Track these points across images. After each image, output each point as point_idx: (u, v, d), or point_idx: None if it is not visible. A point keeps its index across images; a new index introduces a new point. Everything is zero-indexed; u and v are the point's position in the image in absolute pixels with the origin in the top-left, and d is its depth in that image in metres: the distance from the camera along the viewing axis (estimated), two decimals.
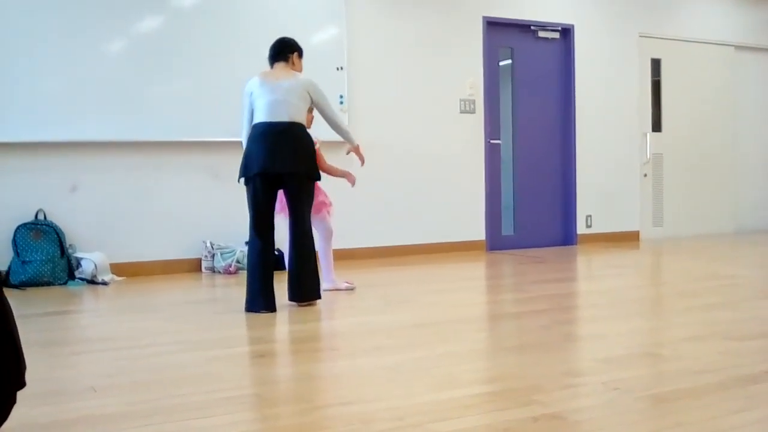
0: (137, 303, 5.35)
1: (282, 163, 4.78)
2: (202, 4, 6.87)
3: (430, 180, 7.95)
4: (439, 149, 8.02)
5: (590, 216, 8.88)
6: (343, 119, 5.02)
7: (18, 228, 6.20)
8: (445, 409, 2.64)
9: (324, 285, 5.32)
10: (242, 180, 4.92)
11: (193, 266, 6.78)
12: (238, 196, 6.94)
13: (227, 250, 6.66)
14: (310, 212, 5.00)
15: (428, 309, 4.77)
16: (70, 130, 6.38)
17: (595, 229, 8.92)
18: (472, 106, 8.17)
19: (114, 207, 6.60)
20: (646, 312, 4.75)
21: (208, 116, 6.77)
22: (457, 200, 8.10)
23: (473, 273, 6.65)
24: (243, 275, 6.44)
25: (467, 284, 5.96)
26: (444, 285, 5.88)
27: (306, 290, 4.89)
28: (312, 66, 7.20)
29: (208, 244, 6.70)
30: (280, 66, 5.10)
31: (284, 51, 5.15)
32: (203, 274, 6.63)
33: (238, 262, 6.60)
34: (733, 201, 10.13)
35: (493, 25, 8.32)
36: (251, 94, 4.98)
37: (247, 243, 6.71)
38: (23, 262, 6.11)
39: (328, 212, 5.57)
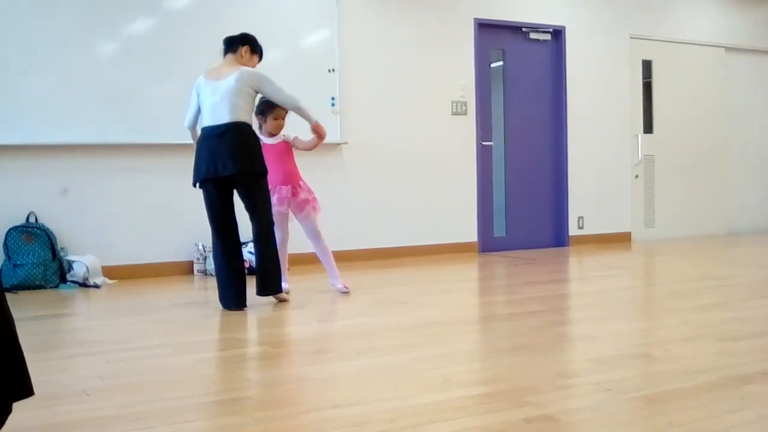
0: (129, 306, 5.34)
1: (224, 167, 4.84)
2: (194, 5, 6.87)
3: (421, 182, 7.96)
4: (431, 151, 8.02)
5: (582, 217, 8.89)
6: (295, 97, 4.96)
7: (9, 231, 6.18)
8: (438, 410, 2.64)
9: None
10: (197, 184, 5.01)
11: (185, 269, 6.77)
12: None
13: None
14: (267, 206, 5.04)
15: (421, 311, 4.77)
16: (61, 133, 6.37)
17: (587, 231, 8.93)
18: (463, 108, 8.17)
19: (106, 209, 6.59)
20: (639, 313, 4.76)
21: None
22: (449, 202, 8.10)
23: (465, 275, 6.65)
24: None
25: (460, 286, 5.96)
26: (436, 287, 5.88)
27: (269, 284, 5.03)
28: (304, 68, 7.23)
29: (201, 247, 6.69)
30: (227, 60, 5.15)
31: (234, 43, 5.18)
32: (195, 277, 6.61)
33: None
34: (725, 202, 10.16)
35: (484, 26, 8.33)
36: (198, 95, 5.09)
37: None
38: (14, 266, 6.08)
39: (314, 209, 5.50)
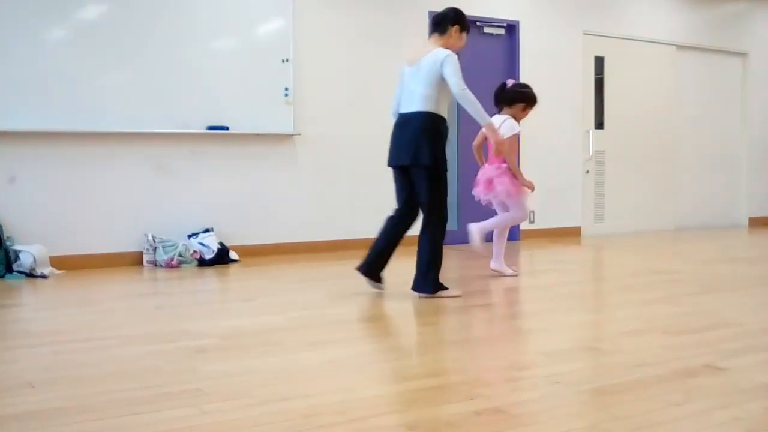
0: (77, 296, 5.26)
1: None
2: None
3: (375, 174, 7.93)
4: (384, 143, 7.97)
5: (533, 212, 8.96)
6: (461, 84, 4.91)
7: None
8: (388, 403, 2.64)
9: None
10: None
11: (135, 260, 6.68)
12: (182, 189, 6.89)
13: (169, 244, 6.57)
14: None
15: (372, 303, 4.78)
16: (8, 120, 6.23)
17: (538, 225, 9.00)
18: None
19: (54, 198, 6.48)
20: (588, 306, 4.81)
21: (151, 107, 6.67)
22: None
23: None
24: (185, 269, 6.38)
25: (410, 279, 5.96)
26: (388, 279, 5.88)
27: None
28: (257, 58, 7.18)
29: (150, 238, 6.61)
30: (432, 39, 5.12)
31: (442, 22, 5.12)
32: (145, 268, 6.53)
33: (180, 255, 6.52)
34: (674, 198, 10.31)
35: None
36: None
37: (191, 235, 6.69)
38: None
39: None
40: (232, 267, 6.55)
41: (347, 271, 6.31)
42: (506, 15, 8.75)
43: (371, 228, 7.93)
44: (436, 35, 5.08)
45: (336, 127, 7.69)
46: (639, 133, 9.89)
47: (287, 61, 7.29)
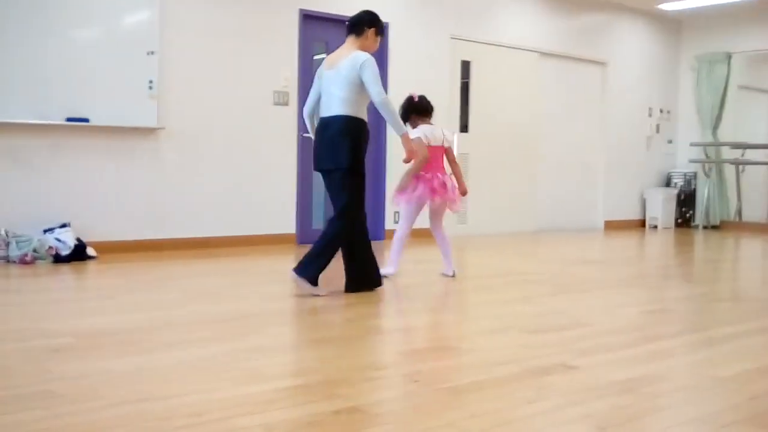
0: None
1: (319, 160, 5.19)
2: None
3: (241, 170, 7.86)
4: (252, 140, 7.94)
5: (398, 212, 9.04)
6: (382, 92, 4.92)
7: None
8: (246, 404, 2.62)
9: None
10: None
11: None
12: (38, 182, 6.62)
13: (23, 239, 6.30)
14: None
15: (233, 303, 4.73)
16: None
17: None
18: (285, 98, 8.14)
19: None
20: (448, 306, 4.91)
21: (8, 96, 6.39)
22: (268, 192, 8.05)
23: (281, 266, 6.63)
24: (40, 265, 6.14)
25: (274, 278, 5.93)
26: (250, 278, 5.84)
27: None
28: (121, 49, 6.98)
29: (3, 232, 6.33)
30: (348, 41, 5.20)
31: (358, 24, 5.22)
32: None
33: (35, 251, 6.27)
34: (534, 201, 10.63)
35: (309, 18, 8.32)
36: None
37: (47, 230, 6.44)
38: None
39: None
40: (90, 264, 6.34)
41: (210, 270, 6.23)
42: None
43: (236, 225, 7.89)
44: (352, 37, 5.18)
45: (201, 122, 7.56)
46: (502, 136, 10.15)
47: (152, 53, 7.12)
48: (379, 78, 4.92)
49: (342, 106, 4.92)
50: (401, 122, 5.13)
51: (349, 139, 4.91)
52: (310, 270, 4.88)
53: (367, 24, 5.19)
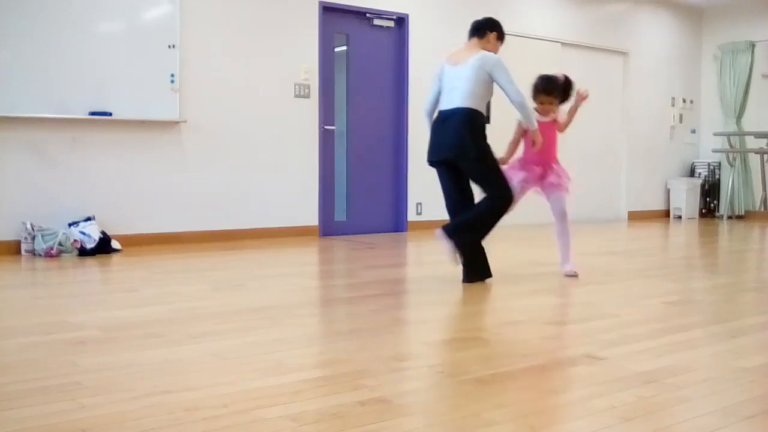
0: None
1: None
2: None
3: (263, 163, 7.88)
4: (273, 133, 7.95)
5: (420, 203, 9.05)
6: (521, 93, 5.23)
7: None
8: (272, 395, 2.62)
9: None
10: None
11: (12, 249, 6.44)
12: (63, 176, 6.67)
13: (49, 232, 6.35)
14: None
15: (258, 294, 4.74)
16: None
17: (425, 217, 9.09)
18: (306, 91, 8.14)
19: None
20: (472, 298, 4.89)
21: (31, 91, 6.43)
22: (290, 184, 8.06)
23: (305, 258, 6.65)
24: (65, 258, 6.19)
25: (299, 269, 5.95)
26: (275, 270, 5.84)
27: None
28: (142, 43, 7.01)
29: (29, 226, 6.38)
30: (470, 42, 5.35)
31: (481, 28, 5.37)
32: (23, 257, 6.30)
33: (60, 244, 6.31)
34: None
35: (329, 10, 8.32)
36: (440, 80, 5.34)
37: (72, 224, 6.47)
38: None
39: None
40: (114, 257, 6.38)
41: (235, 262, 6.25)
42: (396, 8, 8.80)
43: (260, 218, 7.90)
44: (475, 39, 5.35)
45: (223, 114, 7.58)
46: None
47: (174, 46, 7.14)
48: (513, 78, 5.12)
49: (466, 99, 5.07)
50: (534, 120, 5.40)
51: (473, 128, 5.07)
52: (455, 236, 5.04)
53: (489, 28, 5.38)
